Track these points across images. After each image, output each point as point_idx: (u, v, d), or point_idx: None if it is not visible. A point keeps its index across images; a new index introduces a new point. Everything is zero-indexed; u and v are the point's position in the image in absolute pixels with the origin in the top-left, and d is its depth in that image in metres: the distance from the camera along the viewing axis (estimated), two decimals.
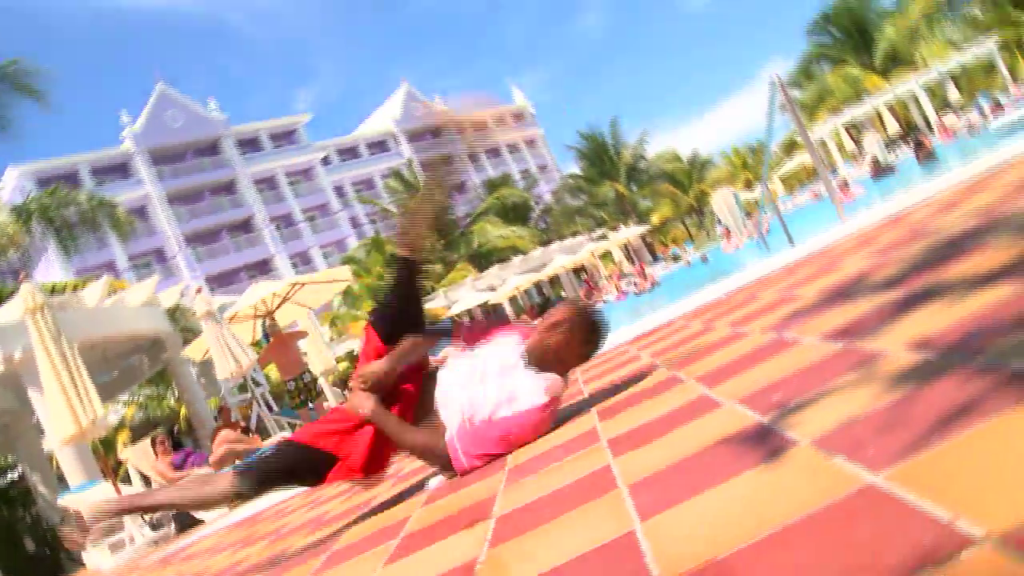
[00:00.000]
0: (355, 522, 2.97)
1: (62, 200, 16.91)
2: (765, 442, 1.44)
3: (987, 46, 34.96)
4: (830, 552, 0.89)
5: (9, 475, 26.68)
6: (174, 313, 15.94)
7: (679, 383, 2.52)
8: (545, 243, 43.60)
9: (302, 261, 58.33)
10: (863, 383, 1.51)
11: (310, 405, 12.29)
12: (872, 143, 30.28)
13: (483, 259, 40.81)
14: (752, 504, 1.17)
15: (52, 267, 39.17)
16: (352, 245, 53.60)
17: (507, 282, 34.93)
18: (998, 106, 27.57)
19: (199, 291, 11.81)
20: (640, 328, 5.26)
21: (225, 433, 9.90)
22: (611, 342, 5.23)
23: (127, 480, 12.10)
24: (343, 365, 36.39)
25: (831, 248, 4.64)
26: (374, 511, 3.01)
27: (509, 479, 2.30)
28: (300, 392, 12.29)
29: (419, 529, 2.23)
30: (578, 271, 41.24)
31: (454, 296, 35.71)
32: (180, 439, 22.70)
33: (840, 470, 1.12)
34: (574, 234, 43.87)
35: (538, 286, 41.72)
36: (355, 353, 33.85)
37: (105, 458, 12.91)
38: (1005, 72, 36.02)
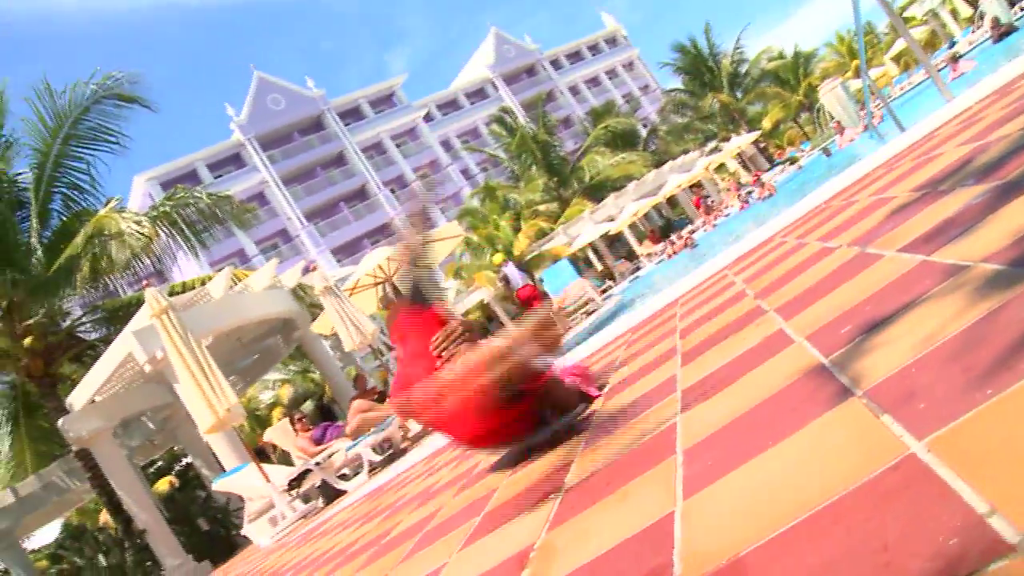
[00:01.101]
0: (455, 494, 2.92)
1: (182, 201, 17.48)
2: (822, 392, 1.28)
3: None
4: (848, 554, 0.74)
5: (182, 461, 28.37)
6: (298, 292, 16.33)
7: (760, 315, 2.34)
8: (658, 165, 42.75)
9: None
10: (933, 309, 1.32)
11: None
12: (990, 2, 28.12)
13: (597, 191, 40.31)
14: (791, 479, 1.02)
15: (188, 264, 40.88)
16: (467, 195, 54.03)
17: (624, 210, 34.44)
18: None
19: (313, 268, 12.02)
20: (741, 248, 5.02)
21: (358, 403, 10.10)
22: (714, 265, 5.03)
23: (287, 460, 12.54)
24: (475, 315, 36.93)
25: (934, 133, 4.27)
26: (473, 480, 2.95)
27: (587, 444, 2.20)
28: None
29: (498, 506, 2.16)
30: (695, 187, 40.39)
31: (574, 232, 35.47)
32: (330, 408, 23.57)
33: (884, 434, 0.95)
34: (685, 151, 42.88)
35: (657, 209, 41.07)
36: (485, 302, 34.27)
37: (251, 439, 13.46)
38: None
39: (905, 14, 47.72)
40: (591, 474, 1.80)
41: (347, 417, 10.35)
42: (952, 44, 38.42)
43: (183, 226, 17.30)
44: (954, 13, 40.20)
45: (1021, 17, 25.96)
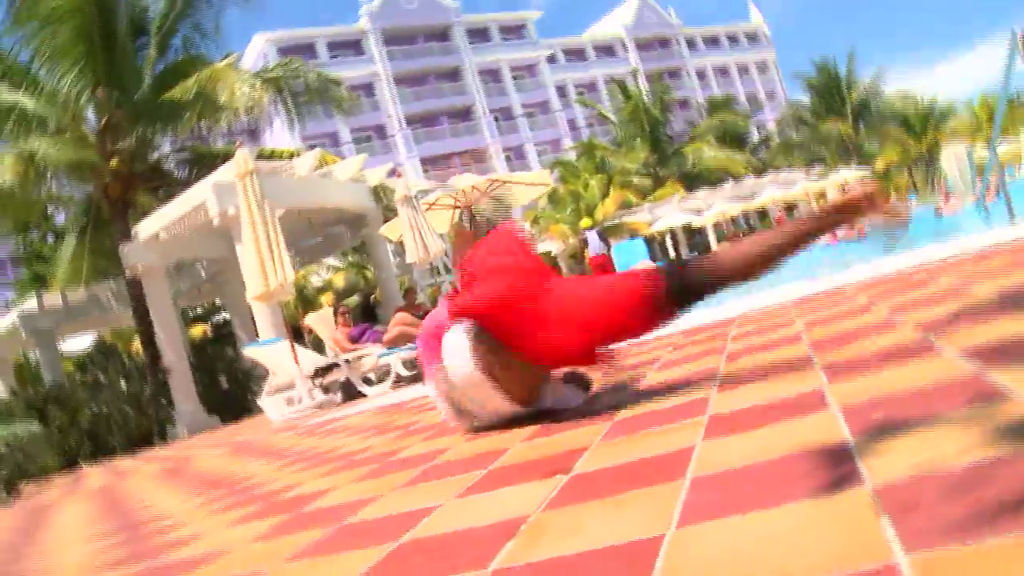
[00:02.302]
0: (467, 439, 2.99)
1: (294, 72, 17.71)
2: (837, 469, 1.31)
3: None
4: None
5: (221, 315, 29.09)
6: (378, 191, 16.51)
7: (808, 366, 2.36)
8: (759, 172, 42.07)
9: (516, 155, 59.13)
10: (964, 429, 1.34)
11: None
12: None
13: (693, 180, 39.91)
14: (781, 546, 1.07)
15: (279, 134, 41.35)
16: (567, 146, 53.72)
17: (714, 206, 34.11)
18: None
19: (399, 175, 12.13)
20: (819, 286, 4.98)
21: (402, 315, 10.24)
22: (782, 295, 5.00)
23: (318, 347, 12.81)
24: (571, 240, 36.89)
25: None
26: (487, 431, 3.02)
27: (607, 435, 2.24)
28: None
29: (504, 467, 2.22)
30: (790, 208, 39.70)
31: (659, 213, 35.24)
32: (374, 309, 23.86)
33: (877, 535, 0.99)
34: (790, 167, 42.09)
35: (745, 215, 40.51)
36: (553, 254, 34.29)
37: (292, 317, 13.74)
38: None
39: None
40: (599, 469, 1.86)
41: (388, 325, 10.53)
42: None
43: (288, 96, 17.55)
44: None
45: None
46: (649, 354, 4.09)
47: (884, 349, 2.28)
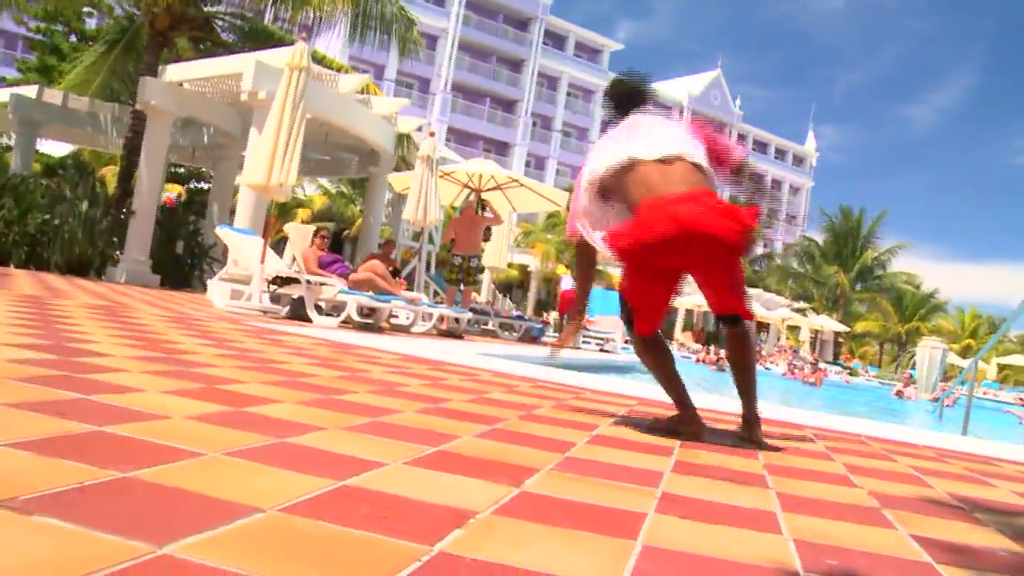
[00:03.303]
0: (417, 411, 2.99)
1: None
2: None
3: None
4: None
5: (202, 184, 28.75)
6: (402, 139, 16.44)
7: (763, 486, 2.39)
8: (750, 283, 42.43)
9: (536, 165, 59.16)
10: None
11: (461, 287, 12.47)
12: None
13: None
14: None
15: (333, 42, 40.86)
16: None
17: (691, 296, 34.35)
18: None
19: (432, 134, 12.09)
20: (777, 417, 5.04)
21: (375, 263, 10.20)
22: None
23: (279, 250, 12.71)
24: (514, 273, 37.05)
25: (993, 461, 4.26)
26: (440, 412, 3.03)
27: (559, 466, 2.26)
28: (460, 271, 12.42)
29: (457, 454, 2.23)
30: (761, 326, 40.06)
31: None
32: (343, 243, 23.57)
33: None
34: (778, 292, 42.50)
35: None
36: (530, 269, 34.31)
37: (274, 218, 13.64)
38: None
39: None
40: (553, 495, 1.87)
41: (358, 266, 10.49)
42: None
43: (359, 12, 17.40)
44: None
45: None
46: (642, 408, 4.11)
47: (839, 504, 2.33)
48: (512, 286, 38.36)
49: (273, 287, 9.31)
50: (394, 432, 2.45)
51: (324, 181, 33.06)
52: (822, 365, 29.18)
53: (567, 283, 20.80)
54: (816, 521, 2.03)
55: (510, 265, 36.71)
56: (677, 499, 2.05)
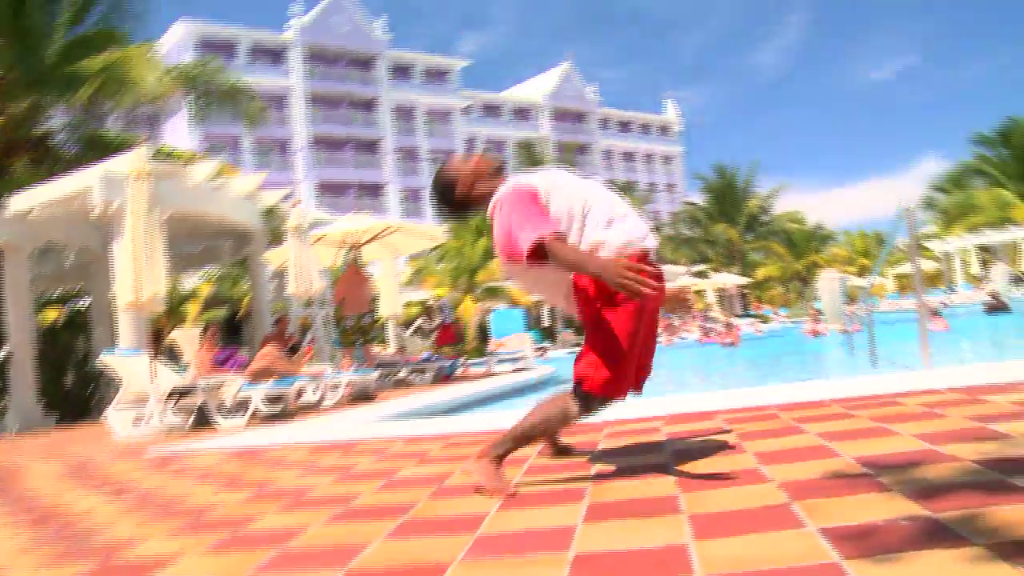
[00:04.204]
0: (327, 521, 2.93)
1: (210, 73, 17.33)
2: None
3: None
4: None
5: (79, 303, 27.76)
6: (270, 213, 16.20)
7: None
8: None
9: (412, 196, 59.09)
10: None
11: (359, 344, 12.37)
12: (999, 272, 28.97)
13: None
14: None
15: (180, 130, 40.22)
16: None
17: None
18: None
19: (296, 204, 11.96)
20: (673, 402, 5.10)
21: (270, 348, 10.04)
22: (656, 409, 5.10)
23: (174, 357, 12.36)
24: (414, 310, 36.86)
25: (899, 398, 4.39)
26: (349, 515, 2.97)
27: (472, 550, 2.24)
28: (355, 331, 12.35)
29: (370, 570, 2.18)
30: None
31: None
32: (239, 325, 23.14)
33: None
34: (674, 262, 43.30)
35: None
36: (429, 303, 34.17)
37: (165, 319, 13.23)
38: None
39: (925, 243, 48.92)
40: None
41: (255, 355, 10.29)
42: (951, 290, 39.51)
43: (197, 96, 17.14)
44: (965, 264, 41.36)
45: (1019, 301, 26.69)
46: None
47: (747, 509, 2.36)
48: (413, 322, 38.18)
49: (171, 402, 9.05)
50: (301, 561, 2.39)
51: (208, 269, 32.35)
52: (734, 321, 29.85)
53: (446, 310, 21.11)
54: (728, 544, 2.06)
55: (410, 304, 36.61)
56: (590, 559, 2.07)
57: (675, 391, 7.95)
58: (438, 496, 3.21)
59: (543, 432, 3.20)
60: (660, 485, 2.88)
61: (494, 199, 3.20)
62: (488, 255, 34.25)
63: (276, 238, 16.65)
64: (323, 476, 4.14)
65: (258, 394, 8.85)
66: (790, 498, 2.45)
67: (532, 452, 3.90)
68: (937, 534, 1.94)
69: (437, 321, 18.50)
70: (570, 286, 3.11)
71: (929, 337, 6.38)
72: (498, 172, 3.39)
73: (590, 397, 3.00)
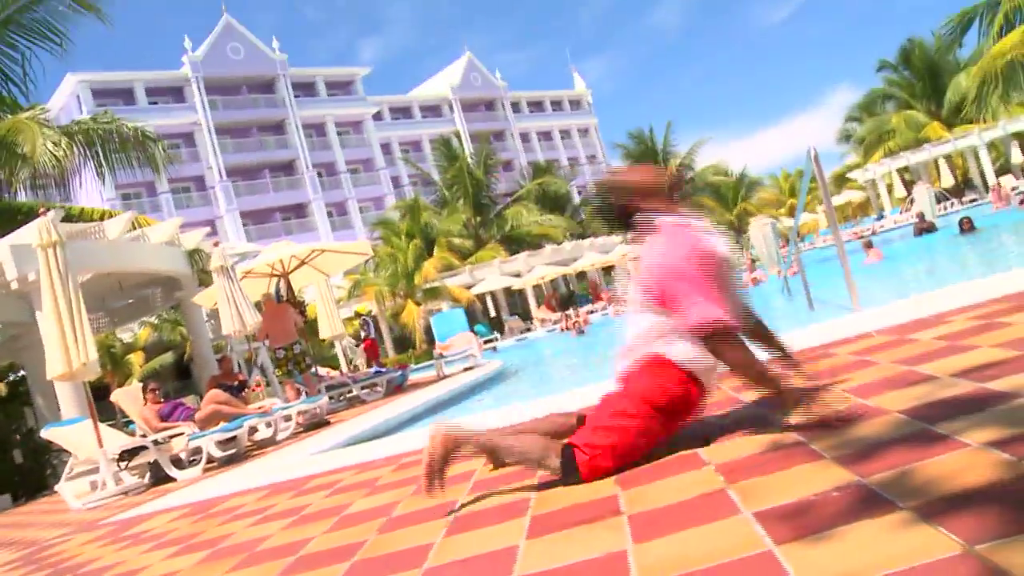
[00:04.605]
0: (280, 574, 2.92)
1: (107, 126, 16.98)
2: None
3: None
4: None
5: (18, 373, 27.06)
6: (194, 255, 16.00)
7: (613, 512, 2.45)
8: (580, 236, 43.34)
9: (338, 211, 58.60)
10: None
11: (297, 374, 12.34)
12: (923, 194, 29.65)
13: (514, 242, 40.66)
14: None
15: (90, 184, 39.33)
16: (390, 203, 53.73)
17: (534, 270, 34.87)
18: None
19: (216, 244, 11.80)
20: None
21: (215, 392, 9.93)
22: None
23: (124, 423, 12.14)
24: (355, 324, 36.70)
25: (830, 349, 4.49)
26: (301, 566, 2.97)
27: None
28: (288, 362, 12.33)
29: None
30: (608, 270, 41.07)
31: (479, 275, 35.71)
32: (189, 367, 22.78)
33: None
34: (609, 233, 43.62)
35: (566, 278, 41.61)
36: (372, 313, 34.07)
37: (101, 376, 12.90)
38: None
39: (849, 175, 49.88)
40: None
41: (202, 402, 10.16)
42: (880, 216, 40.39)
43: (99, 149, 16.80)
44: (890, 189, 42.25)
45: (943, 216, 27.40)
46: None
47: (684, 501, 2.40)
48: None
49: (124, 463, 8.91)
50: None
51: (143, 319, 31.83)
52: None
53: (369, 327, 21.22)
54: (665, 544, 2.08)
55: (351, 319, 36.40)
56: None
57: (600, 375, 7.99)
58: (387, 529, 3.21)
59: (513, 459, 3.09)
60: (601, 485, 2.90)
61: (667, 229, 3.07)
62: (422, 257, 34.13)
63: (205, 278, 16.44)
64: (275, 522, 4.12)
65: (209, 441, 8.75)
66: (726, 481, 2.48)
67: (479, 467, 3.93)
68: (867, 501, 1.98)
69: (362, 335, 18.48)
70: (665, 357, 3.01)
71: (865, 271, 6.53)
72: (674, 189, 3.26)
73: (574, 471, 2.96)
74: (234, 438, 9.28)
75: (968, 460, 2.06)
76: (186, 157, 52.07)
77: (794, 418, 2.84)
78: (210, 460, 8.94)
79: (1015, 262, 12.52)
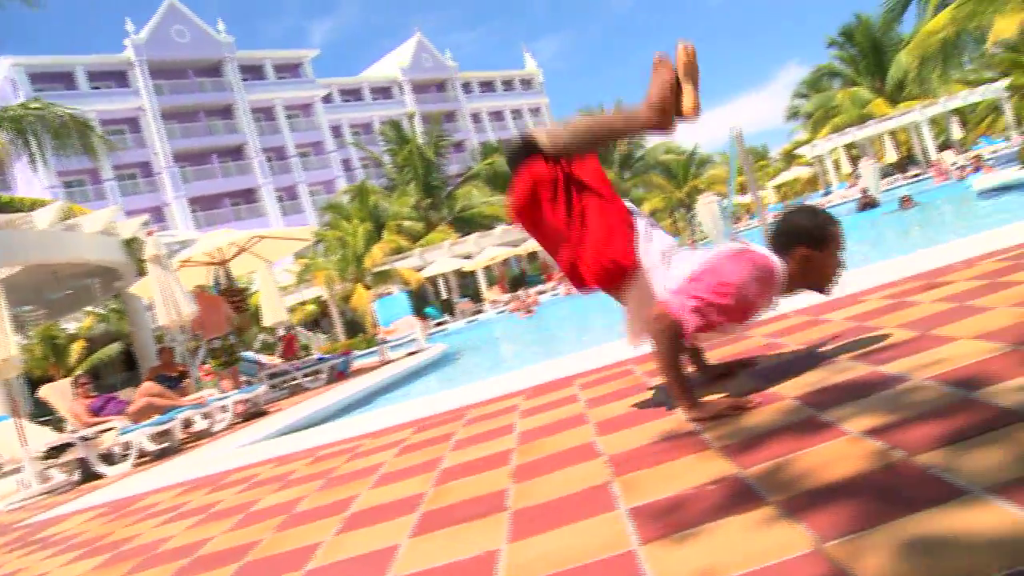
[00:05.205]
0: None
1: (40, 112, 16.57)
2: None
3: (997, 87, 34.73)
4: None
5: None
6: (132, 244, 15.68)
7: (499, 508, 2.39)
8: None
9: (288, 195, 58.02)
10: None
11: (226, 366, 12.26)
12: (867, 169, 30.00)
13: (465, 224, 40.53)
14: None
15: (28, 173, 38.53)
16: (341, 187, 53.29)
17: (484, 251, 34.77)
18: (981, 161, 26.94)
19: (150, 233, 11.56)
20: (577, 362, 5.12)
21: (148, 385, 9.74)
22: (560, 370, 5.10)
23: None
24: (310, 307, 36.40)
25: (748, 332, 4.47)
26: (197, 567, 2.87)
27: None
28: (224, 352, 12.19)
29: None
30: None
31: (429, 257, 35.57)
32: (135, 361, 22.49)
33: None
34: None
35: (518, 258, 41.56)
36: (322, 298, 33.81)
37: (42, 366, 12.70)
38: (1009, 117, 35.85)
39: (797, 151, 50.37)
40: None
41: (135, 395, 9.96)
42: (828, 192, 40.83)
43: (33, 137, 16.42)
44: (837, 164, 42.69)
45: (888, 191, 27.74)
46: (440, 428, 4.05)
47: (568, 496, 2.35)
48: (318, 320, 37.74)
49: (51, 460, 8.70)
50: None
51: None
52: None
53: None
54: (538, 543, 2.02)
55: (306, 303, 36.09)
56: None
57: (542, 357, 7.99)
58: (284, 527, 3.13)
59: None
60: (494, 478, 2.85)
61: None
62: (372, 240, 33.89)
63: (145, 269, 16.13)
64: (184, 521, 4.02)
65: (140, 435, 8.57)
66: (613, 474, 2.43)
67: (388, 458, 3.86)
68: (739, 496, 1.94)
69: (281, 332, 18.33)
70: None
71: None
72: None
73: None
74: (168, 431, 9.12)
75: (842, 450, 2.03)
76: (131, 143, 51.18)
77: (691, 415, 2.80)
78: (144, 454, 8.77)
79: (943, 237, 12.69)
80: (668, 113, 2.86)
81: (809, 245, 2.91)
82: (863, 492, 1.74)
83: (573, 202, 2.95)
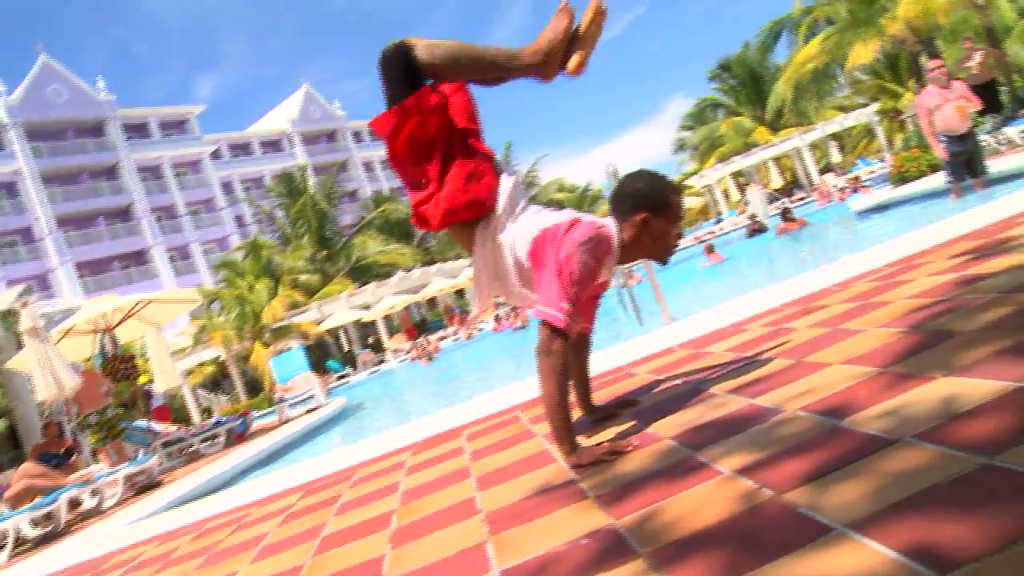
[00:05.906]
0: None
1: None
2: None
3: (868, 112, 36.34)
4: None
5: None
6: (8, 316, 15.01)
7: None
8: (428, 263, 43.18)
9: (180, 255, 56.64)
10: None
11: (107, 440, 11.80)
12: (755, 196, 30.91)
13: (361, 273, 40.17)
14: None
15: None
16: (234, 243, 52.30)
17: (382, 301, 34.50)
18: (859, 182, 28.09)
19: (25, 304, 11.05)
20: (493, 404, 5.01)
21: (26, 467, 9.25)
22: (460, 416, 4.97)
23: None
24: (209, 369, 35.43)
25: (632, 367, 4.46)
26: None
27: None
28: (104, 427, 11.74)
29: None
30: (460, 293, 41.10)
31: (328, 310, 35.10)
32: (19, 440, 21.47)
33: None
34: (457, 256, 43.64)
35: (418, 305, 41.38)
36: (220, 358, 32.95)
37: None
38: (882, 138, 37.50)
39: (687, 182, 51.63)
40: None
41: (13, 478, 9.44)
42: (719, 219, 41.89)
43: None
44: (726, 193, 43.92)
45: (773, 217, 28.59)
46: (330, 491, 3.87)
47: (443, 560, 2.25)
48: (218, 380, 36.77)
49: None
50: None
51: None
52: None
53: (158, 397, 20.50)
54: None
55: (205, 364, 35.14)
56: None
57: (439, 406, 7.91)
58: None
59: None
60: (373, 544, 2.72)
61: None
62: (272, 296, 33.26)
63: (23, 342, 15.45)
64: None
65: (17, 522, 8.10)
66: (489, 533, 2.35)
67: (272, 527, 3.68)
68: (611, 550, 1.87)
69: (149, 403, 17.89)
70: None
71: (706, 272, 6.59)
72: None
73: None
74: (51, 514, 8.64)
75: (713, 493, 1.99)
76: (9, 209, 49.39)
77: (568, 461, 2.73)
78: (24, 541, 8.29)
79: (822, 261, 13.06)
80: (552, 62, 2.82)
81: (649, 210, 2.88)
82: (730, 539, 1.70)
83: (439, 134, 2.89)
